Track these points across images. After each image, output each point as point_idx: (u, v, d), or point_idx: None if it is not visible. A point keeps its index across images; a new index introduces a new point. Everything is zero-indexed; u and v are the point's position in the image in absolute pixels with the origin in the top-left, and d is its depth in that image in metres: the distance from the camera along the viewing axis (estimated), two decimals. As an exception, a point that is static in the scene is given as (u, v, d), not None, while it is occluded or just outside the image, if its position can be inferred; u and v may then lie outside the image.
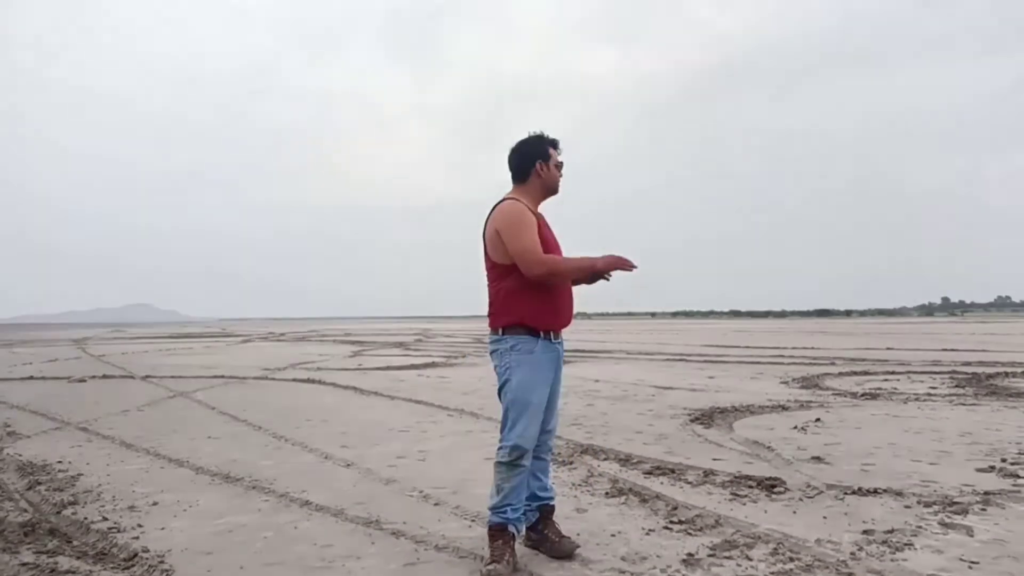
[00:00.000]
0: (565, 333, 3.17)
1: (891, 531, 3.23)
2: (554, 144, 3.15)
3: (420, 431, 6.17)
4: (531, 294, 2.97)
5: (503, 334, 3.00)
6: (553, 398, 3.09)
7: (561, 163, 3.18)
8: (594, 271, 2.94)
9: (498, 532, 2.90)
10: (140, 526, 3.44)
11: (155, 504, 3.85)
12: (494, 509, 2.93)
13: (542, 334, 2.98)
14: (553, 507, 3.16)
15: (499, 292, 3.02)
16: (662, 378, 10.86)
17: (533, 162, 3.09)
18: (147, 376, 11.94)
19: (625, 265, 2.88)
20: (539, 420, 2.97)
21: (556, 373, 3.07)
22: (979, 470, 4.44)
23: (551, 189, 3.16)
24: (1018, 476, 4.26)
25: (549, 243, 3.04)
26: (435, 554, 3.04)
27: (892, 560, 2.87)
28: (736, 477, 4.28)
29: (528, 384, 2.94)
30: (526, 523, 3.08)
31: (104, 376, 12.01)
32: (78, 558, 2.99)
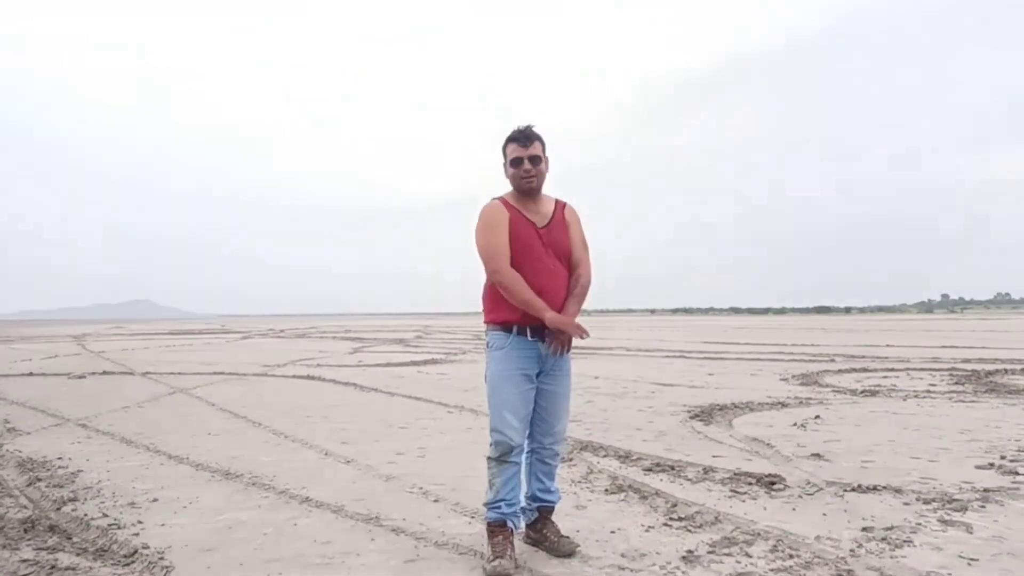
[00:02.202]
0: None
1: (890, 528, 3.23)
2: (515, 139, 2.96)
3: (420, 428, 6.18)
4: (499, 291, 2.96)
5: (487, 330, 3.06)
6: (550, 400, 3.01)
7: (520, 158, 2.93)
8: (541, 320, 2.85)
9: (497, 528, 2.91)
10: (140, 522, 3.44)
11: (155, 500, 3.85)
12: (489, 505, 2.95)
13: (515, 330, 2.94)
14: (552, 508, 3.14)
15: (483, 288, 3.06)
16: (662, 375, 10.86)
17: (503, 164, 3.05)
18: (147, 372, 11.95)
19: (575, 332, 2.87)
20: (517, 416, 2.91)
21: (546, 373, 2.98)
22: (978, 467, 4.44)
23: (515, 188, 3.01)
24: (1017, 473, 4.26)
25: (520, 240, 2.93)
26: (435, 550, 3.04)
27: (891, 557, 2.87)
28: (735, 474, 4.28)
29: (495, 380, 2.96)
30: (526, 521, 3.09)
31: (104, 372, 12.02)
32: (78, 554, 2.99)
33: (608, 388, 9.02)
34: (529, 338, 2.94)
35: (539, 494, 3.08)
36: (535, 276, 2.91)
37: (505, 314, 2.96)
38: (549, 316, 2.85)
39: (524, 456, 3.05)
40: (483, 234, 2.96)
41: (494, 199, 3.05)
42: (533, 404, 2.99)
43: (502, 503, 2.92)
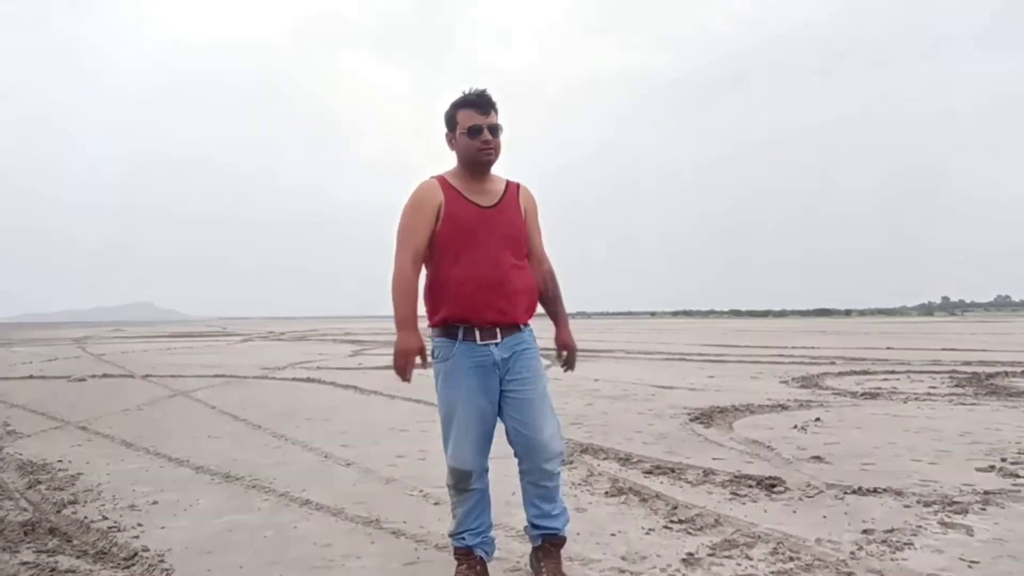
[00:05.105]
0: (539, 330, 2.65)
1: (891, 530, 3.23)
2: (470, 103, 2.50)
3: (420, 430, 6.17)
4: (441, 284, 2.52)
5: (431, 336, 2.59)
6: (523, 409, 2.53)
7: (479, 127, 2.47)
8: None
9: (463, 556, 2.61)
10: (140, 525, 3.44)
11: (155, 503, 3.85)
12: (452, 536, 2.65)
13: (461, 334, 2.49)
14: (559, 537, 2.68)
15: (423, 285, 2.61)
16: (662, 377, 10.86)
17: (446, 134, 2.59)
18: (147, 375, 11.94)
19: (399, 373, 2.52)
20: (474, 437, 2.53)
21: (510, 380, 2.53)
22: (979, 469, 4.44)
23: (468, 162, 2.55)
24: (1018, 476, 4.26)
25: (458, 224, 2.50)
26: (435, 553, 3.03)
27: (892, 560, 2.87)
28: (736, 476, 4.28)
29: (447, 397, 2.55)
30: (532, 545, 2.74)
31: (104, 375, 12.01)
32: (78, 557, 2.99)
33: (608, 391, 9.02)
34: (479, 342, 2.49)
35: (536, 521, 2.63)
36: (474, 266, 2.47)
37: (446, 314, 2.51)
38: (398, 347, 2.48)
39: (488, 477, 2.66)
40: (404, 217, 2.56)
41: (432, 177, 2.60)
42: (495, 419, 2.60)
43: (465, 533, 2.60)
